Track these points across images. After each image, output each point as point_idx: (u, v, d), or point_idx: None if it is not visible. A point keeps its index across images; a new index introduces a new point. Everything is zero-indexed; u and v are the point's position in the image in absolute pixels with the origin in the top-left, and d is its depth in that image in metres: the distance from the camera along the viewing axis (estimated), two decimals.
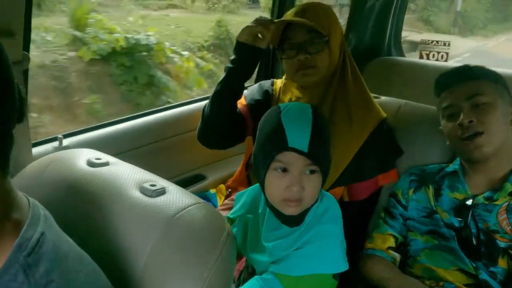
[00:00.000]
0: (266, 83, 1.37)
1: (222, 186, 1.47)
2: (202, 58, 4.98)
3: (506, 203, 0.98)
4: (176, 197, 0.68)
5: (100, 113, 3.69)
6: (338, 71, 1.21)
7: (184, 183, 1.51)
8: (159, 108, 1.53)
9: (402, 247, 1.13)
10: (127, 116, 1.41)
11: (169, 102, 3.79)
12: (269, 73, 1.88)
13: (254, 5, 7.65)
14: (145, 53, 4.06)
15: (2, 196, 0.49)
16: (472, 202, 1.02)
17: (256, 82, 1.59)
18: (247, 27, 1.14)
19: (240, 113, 1.27)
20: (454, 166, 1.09)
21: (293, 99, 1.25)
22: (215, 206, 1.43)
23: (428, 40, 2.18)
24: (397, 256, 1.11)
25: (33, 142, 1.05)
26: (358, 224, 1.22)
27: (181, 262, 0.61)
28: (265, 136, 0.86)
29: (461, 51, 8.77)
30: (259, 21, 1.14)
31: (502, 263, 0.97)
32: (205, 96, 1.60)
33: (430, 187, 1.10)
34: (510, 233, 0.97)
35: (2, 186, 0.49)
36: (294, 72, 1.19)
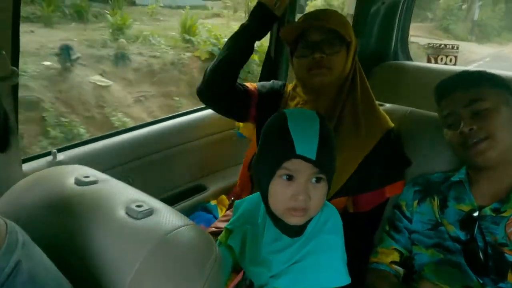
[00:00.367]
0: (278, 83, 1.37)
1: (223, 197, 1.45)
2: None
3: None
4: (163, 218, 0.65)
5: None
6: (349, 78, 1.19)
7: (185, 194, 1.49)
8: (157, 119, 1.52)
9: (408, 261, 1.09)
10: (125, 128, 1.40)
11: None
12: (271, 78, 1.86)
13: None
14: None
15: None
16: (479, 214, 0.97)
17: None
18: None
19: (248, 93, 1.27)
20: (459, 175, 1.05)
21: (300, 103, 1.22)
22: (216, 217, 1.41)
23: (436, 44, 2.13)
24: (401, 270, 1.08)
25: (27, 157, 1.03)
26: (363, 236, 1.19)
27: (166, 287, 0.58)
28: (270, 143, 0.84)
29: (481, 56, 9.50)
30: None
31: (511, 278, 0.92)
32: (204, 106, 1.58)
33: (436, 198, 1.06)
34: None
35: None
36: (306, 71, 1.16)
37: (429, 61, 2.16)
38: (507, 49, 11.99)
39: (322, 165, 0.80)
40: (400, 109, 1.33)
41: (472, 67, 2.02)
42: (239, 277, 1.01)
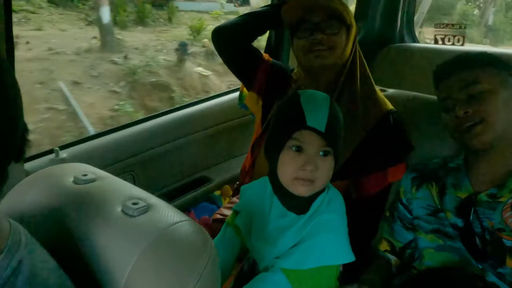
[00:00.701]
0: (289, 66, 1.40)
1: (227, 187, 1.46)
2: None
3: (511, 200, 0.92)
4: (159, 215, 0.66)
5: None
6: (348, 62, 1.20)
7: (189, 186, 1.50)
8: (161, 112, 1.53)
9: (403, 250, 1.10)
10: (128, 123, 1.40)
11: None
12: None
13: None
14: None
15: None
16: (475, 199, 0.96)
17: None
18: None
19: (261, 56, 1.32)
20: (457, 161, 1.04)
21: (301, 88, 1.22)
22: (219, 207, 1.42)
23: (443, 24, 2.07)
24: (392, 259, 1.10)
25: (30, 156, 1.05)
26: (367, 222, 1.19)
27: (160, 285, 0.59)
28: (283, 116, 0.89)
29: None
30: None
31: (510, 263, 0.91)
32: (207, 96, 1.58)
33: (434, 184, 1.05)
34: None
35: None
36: (306, 52, 1.17)
37: (436, 42, 2.10)
38: None
39: (330, 139, 0.85)
40: (403, 93, 1.31)
41: None
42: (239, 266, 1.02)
